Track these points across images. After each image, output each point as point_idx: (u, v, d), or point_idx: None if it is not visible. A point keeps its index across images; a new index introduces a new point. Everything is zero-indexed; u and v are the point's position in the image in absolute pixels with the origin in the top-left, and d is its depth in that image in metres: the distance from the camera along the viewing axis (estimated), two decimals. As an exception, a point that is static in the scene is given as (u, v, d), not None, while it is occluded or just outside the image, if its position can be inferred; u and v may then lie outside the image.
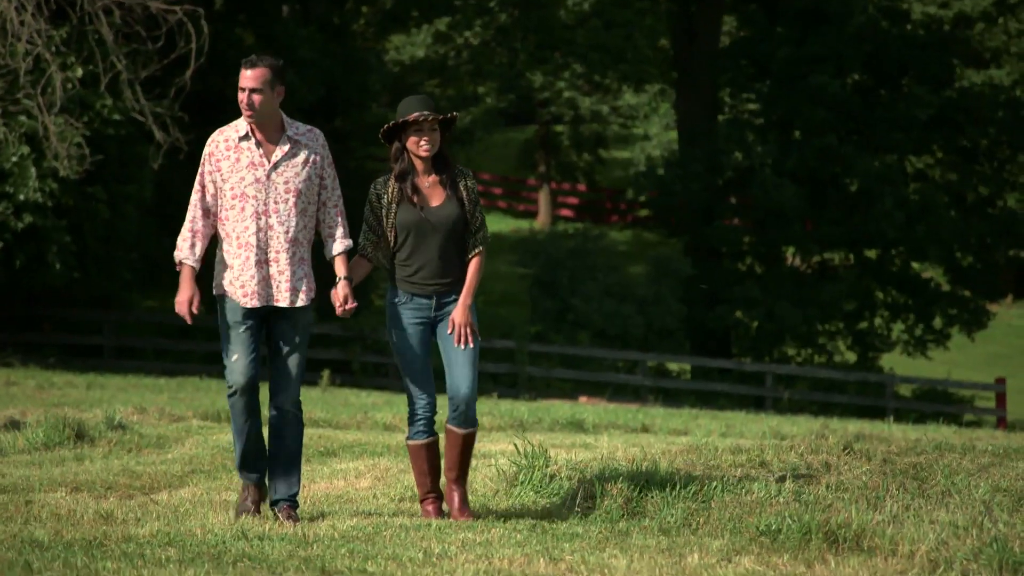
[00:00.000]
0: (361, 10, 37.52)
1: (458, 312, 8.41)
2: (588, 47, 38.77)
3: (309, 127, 8.42)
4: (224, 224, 8.30)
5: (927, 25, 40.97)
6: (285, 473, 8.41)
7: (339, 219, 8.36)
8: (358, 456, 11.58)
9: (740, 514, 8.44)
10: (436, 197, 8.43)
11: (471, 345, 8.40)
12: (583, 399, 27.78)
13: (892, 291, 36.67)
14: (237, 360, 8.27)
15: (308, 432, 13.29)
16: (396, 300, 8.47)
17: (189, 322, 8.31)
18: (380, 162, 52.20)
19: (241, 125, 8.30)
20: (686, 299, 34.45)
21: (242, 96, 8.23)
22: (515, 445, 9.76)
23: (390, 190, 8.43)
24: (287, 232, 8.25)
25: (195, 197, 8.31)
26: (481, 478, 9.32)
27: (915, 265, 37.40)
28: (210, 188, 8.28)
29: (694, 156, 36.43)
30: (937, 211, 36.09)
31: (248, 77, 8.22)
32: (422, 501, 8.62)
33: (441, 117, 8.39)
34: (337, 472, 10.68)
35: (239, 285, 8.27)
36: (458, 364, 8.43)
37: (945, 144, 37.74)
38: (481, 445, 10.52)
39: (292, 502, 8.40)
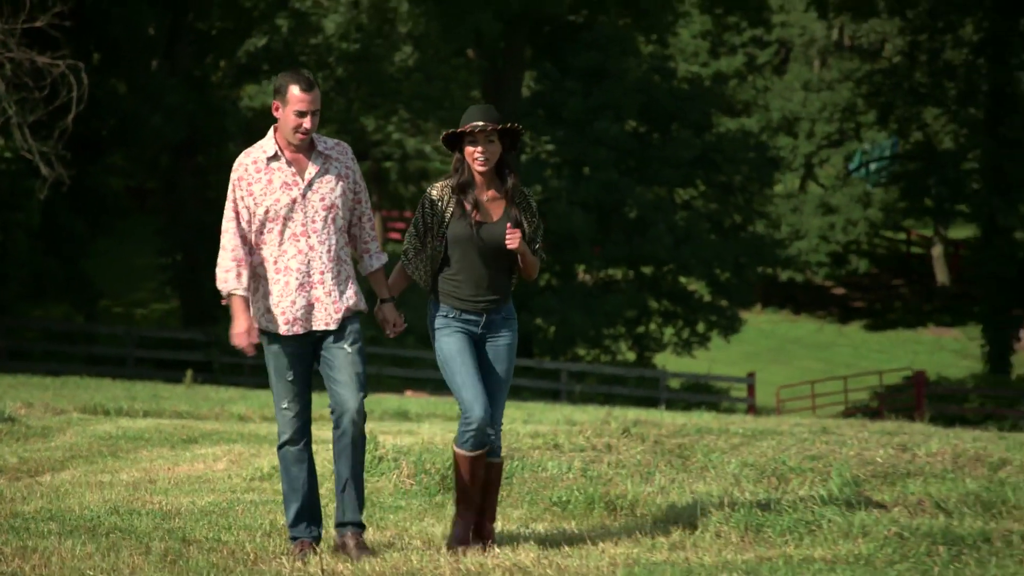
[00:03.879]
0: (219, 64, 37.10)
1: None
2: (412, 96, 38.71)
3: (336, 140, 6.78)
4: (260, 250, 6.62)
5: (691, 80, 41.61)
6: (351, 494, 6.61)
7: (374, 232, 6.87)
8: (216, 443, 11.42)
9: (536, 488, 8.48)
10: (494, 212, 6.76)
11: (516, 237, 6.63)
12: (408, 393, 27.69)
13: (664, 301, 37.12)
14: (289, 409, 6.59)
15: (172, 422, 13.06)
16: (441, 314, 6.76)
17: (251, 353, 6.55)
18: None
19: (268, 145, 6.63)
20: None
21: (301, 121, 6.53)
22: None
23: (445, 198, 6.74)
24: (329, 251, 6.59)
25: (230, 225, 6.59)
26: (320, 460, 9.28)
27: (683, 280, 37.93)
28: (244, 214, 6.60)
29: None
30: (700, 235, 36.65)
31: (309, 100, 6.53)
32: (456, 517, 6.81)
33: (499, 127, 6.72)
34: (197, 456, 10.52)
35: (279, 313, 6.56)
36: (492, 380, 6.80)
37: (706, 179, 38.35)
38: (320, 432, 10.41)
39: (359, 527, 6.64)
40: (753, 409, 32.01)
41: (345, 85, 38.77)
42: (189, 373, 24.93)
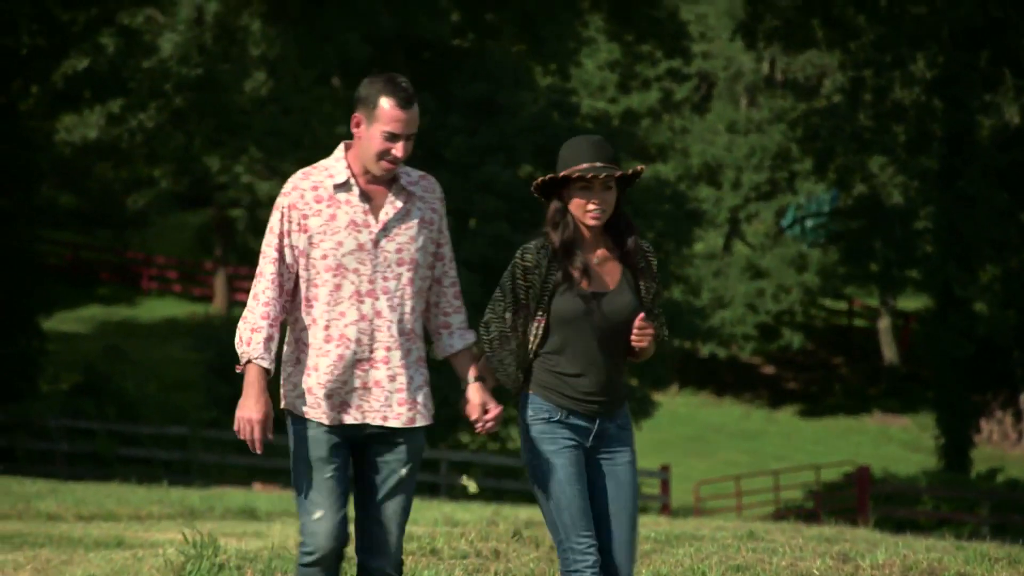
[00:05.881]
0: (30, 89, 36.74)
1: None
2: (265, 132, 38.68)
3: (421, 173, 6.02)
4: (309, 307, 5.76)
5: (596, 119, 42.06)
6: None
7: (458, 302, 5.94)
8: (18, 547, 11.22)
9: (410, 602, 8.43)
10: (609, 279, 5.99)
11: (647, 334, 5.94)
12: (257, 486, 27.44)
13: (563, 379, 37.22)
14: (323, 519, 5.70)
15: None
16: (546, 416, 5.91)
17: (258, 451, 5.69)
18: (50, 245, 51.18)
19: (337, 169, 5.78)
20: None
21: (391, 147, 5.74)
22: (183, 534, 9.58)
23: (544, 264, 5.91)
24: (400, 320, 5.74)
25: (269, 268, 5.72)
26: (148, 568, 9.11)
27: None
28: (288, 255, 5.73)
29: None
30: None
31: (406, 119, 5.74)
32: None
33: (620, 173, 5.93)
34: (-4, 564, 10.33)
35: (324, 396, 5.72)
36: (617, 523, 5.95)
37: (614, 236, 38.63)
38: (149, 535, 10.28)
39: None
40: (667, 509, 32.16)
41: (184, 117, 38.62)
42: (-13, 462, 24.48)
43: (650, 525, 13.78)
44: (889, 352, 52.41)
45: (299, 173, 5.80)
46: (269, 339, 5.67)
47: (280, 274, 5.72)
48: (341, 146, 5.85)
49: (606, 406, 5.95)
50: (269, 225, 5.77)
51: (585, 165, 5.86)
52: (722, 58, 53.06)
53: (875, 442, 46.63)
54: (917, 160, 40.21)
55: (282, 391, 5.82)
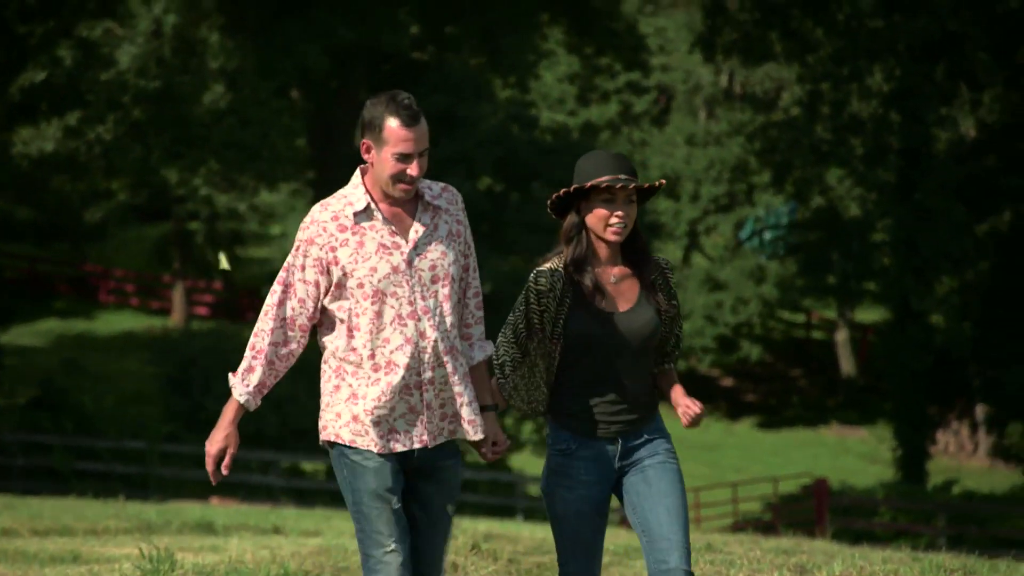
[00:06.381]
0: (-12, 101, 36.60)
1: (693, 402, 5.77)
2: (224, 144, 38.57)
3: (443, 185, 5.87)
4: (351, 336, 5.59)
5: (556, 131, 42.10)
6: None
7: (480, 312, 5.80)
8: (-25, 562, 11.14)
9: (367, 616, 8.41)
10: (626, 298, 5.80)
11: (699, 413, 5.72)
12: (215, 500, 27.35)
13: (521, 391, 37.23)
14: (396, 552, 5.50)
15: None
16: (563, 447, 5.76)
17: (214, 482, 5.68)
18: (6, 258, 50.90)
19: (356, 196, 5.62)
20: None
21: (405, 167, 5.59)
22: (140, 549, 9.53)
23: (559, 284, 5.74)
24: (446, 338, 5.60)
25: (271, 301, 5.62)
26: None
27: (545, 366, 38.08)
28: (301, 290, 5.60)
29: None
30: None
31: (415, 137, 5.58)
32: None
33: (645, 186, 5.77)
34: (-48, 579, 10.26)
35: (372, 423, 5.55)
36: (656, 517, 5.73)
37: (573, 248, 38.67)
38: (105, 549, 10.21)
39: None
40: (626, 522, 32.16)
41: (143, 130, 38.50)
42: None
43: (610, 537, 13.78)
44: (847, 364, 52.58)
45: (317, 206, 5.64)
46: (248, 371, 5.61)
47: (284, 306, 5.60)
48: (357, 172, 5.71)
49: (631, 424, 5.77)
50: (287, 259, 5.65)
51: (608, 177, 5.70)
52: (681, 71, 53.19)
53: (833, 454, 46.77)
54: (874, 173, 40.35)
55: (322, 421, 5.64)
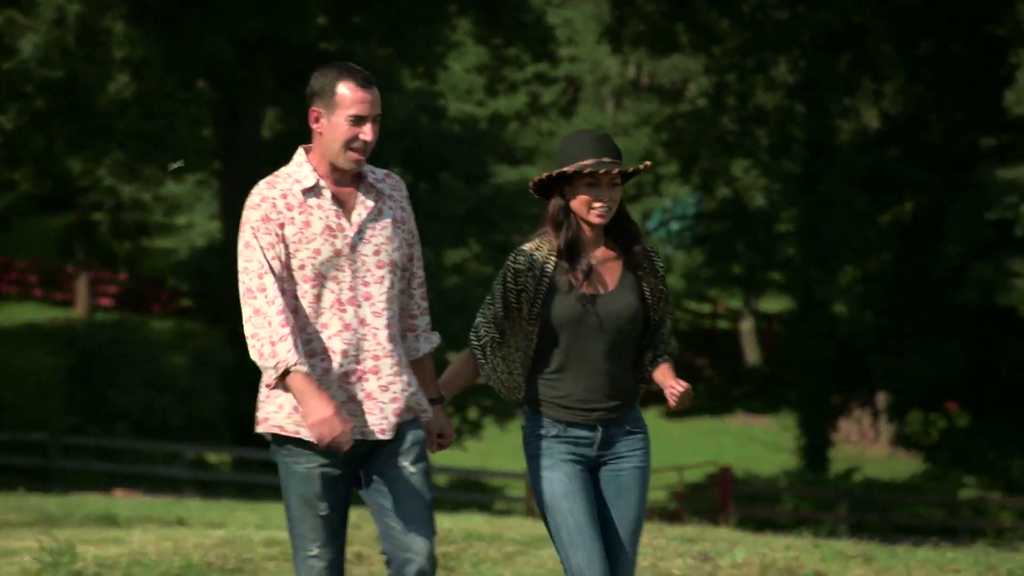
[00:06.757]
0: None
1: (677, 381, 5.56)
2: (129, 135, 38.22)
3: (385, 171, 5.57)
4: None
5: (464, 122, 42.07)
6: None
7: (425, 303, 5.59)
8: None
9: (270, 607, 8.38)
10: (609, 280, 5.65)
11: (680, 393, 5.49)
12: (118, 492, 27.13)
13: (430, 382, 37.22)
14: (319, 557, 5.37)
15: None
16: (542, 432, 5.64)
17: (348, 447, 5.19)
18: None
19: (301, 173, 5.41)
20: (228, 389, 34.14)
21: (359, 131, 5.37)
22: (40, 542, 9.45)
23: (539, 266, 5.60)
24: (387, 327, 5.37)
25: (268, 280, 5.27)
26: (3, 577, 8.98)
27: (452, 356, 38.12)
28: (276, 266, 5.29)
29: (237, 245, 36.29)
30: (473, 304, 36.92)
31: (370, 100, 5.37)
32: None
33: (630, 170, 5.62)
34: None
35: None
36: (614, 530, 5.67)
37: (481, 238, 38.74)
38: (5, 543, 10.10)
39: None
40: (532, 512, 32.24)
41: (46, 120, 38.07)
42: None
43: (515, 528, 13.80)
44: (752, 354, 52.96)
45: (262, 183, 5.40)
46: (297, 345, 5.16)
47: (280, 282, 5.27)
48: (300, 151, 5.48)
49: (610, 412, 5.62)
50: (244, 241, 5.32)
51: (592, 160, 5.52)
52: (589, 62, 53.31)
53: (738, 442, 47.11)
54: (779, 163, 40.66)
55: (260, 414, 5.36)
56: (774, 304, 53.03)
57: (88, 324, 37.40)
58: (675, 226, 51.19)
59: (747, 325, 53.10)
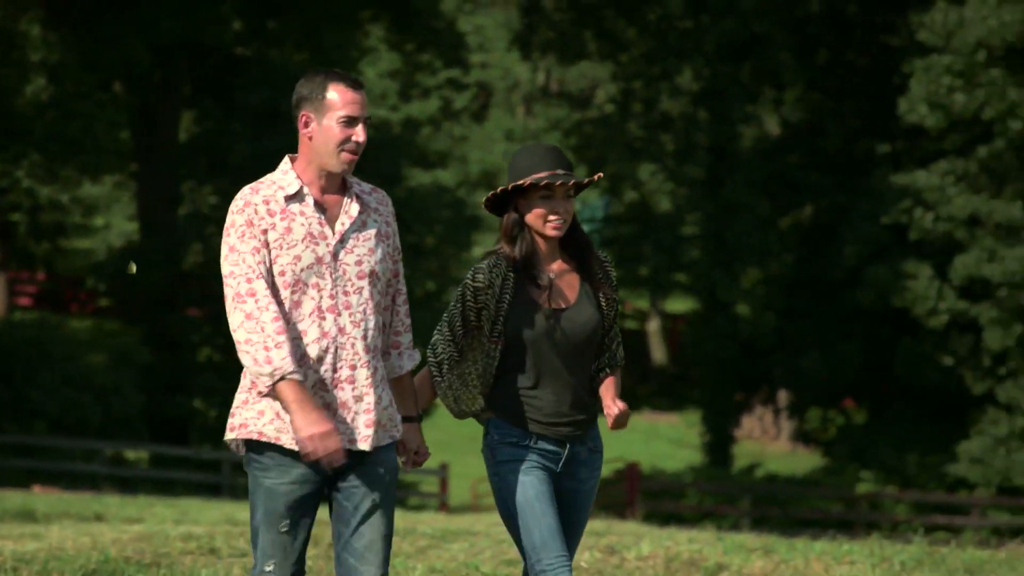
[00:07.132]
0: None
1: (615, 402, 5.53)
2: (46, 137, 37.87)
3: (372, 185, 5.51)
4: None
5: (378, 127, 42.01)
6: None
7: (408, 320, 5.44)
8: None
9: (188, 601, 8.36)
10: (568, 294, 5.58)
11: (619, 415, 5.48)
12: (37, 488, 26.87)
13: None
14: (273, 572, 5.23)
15: None
16: (514, 440, 5.50)
17: (341, 462, 5.10)
18: None
19: (285, 180, 5.29)
20: (145, 388, 33.91)
21: (351, 133, 5.33)
22: (-41, 538, 9.36)
23: (498, 282, 5.49)
24: (365, 337, 5.22)
25: (259, 286, 5.12)
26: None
27: (366, 355, 38.04)
28: (262, 270, 5.14)
29: (154, 247, 36.04)
30: (387, 304, 36.89)
31: (360, 102, 5.31)
32: None
33: (584, 182, 5.58)
34: None
35: (287, 420, 5.17)
36: (570, 545, 5.60)
37: (394, 240, 38.66)
38: None
39: None
40: (445, 506, 32.26)
41: (-36, 121, 37.66)
42: None
43: (428, 522, 13.83)
44: (658, 353, 53.25)
45: (246, 189, 5.26)
46: (293, 352, 5.07)
47: (271, 286, 5.14)
48: (285, 159, 5.36)
49: (576, 427, 5.51)
50: (228, 245, 5.16)
51: (546, 173, 5.44)
52: (499, 68, 53.40)
53: (645, 439, 47.34)
54: (684, 169, 40.91)
55: (236, 420, 5.21)
56: (679, 305, 53.34)
57: (7, 323, 37.01)
58: (585, 229, 51.33)
59: (653, 325, 53.38)
